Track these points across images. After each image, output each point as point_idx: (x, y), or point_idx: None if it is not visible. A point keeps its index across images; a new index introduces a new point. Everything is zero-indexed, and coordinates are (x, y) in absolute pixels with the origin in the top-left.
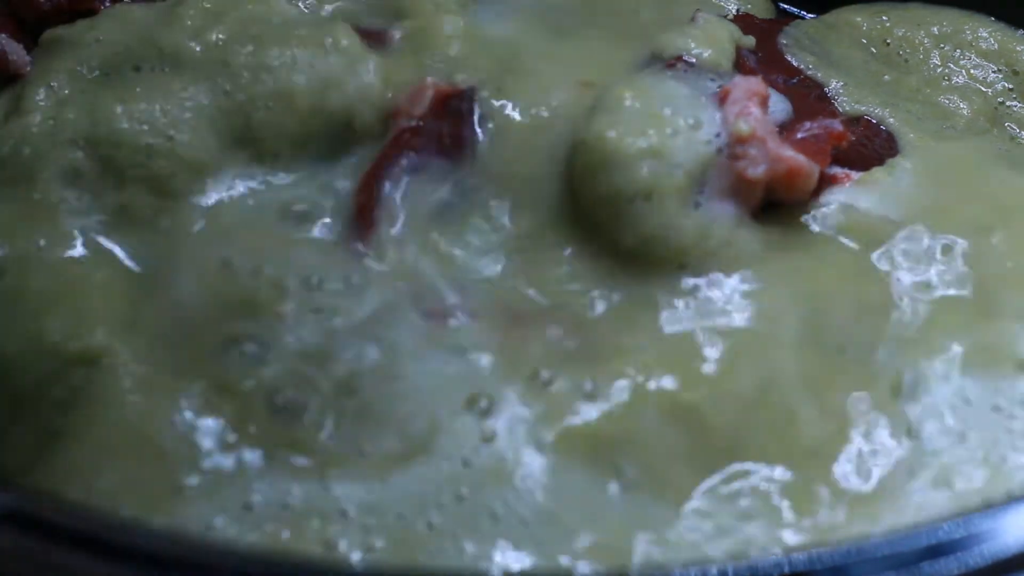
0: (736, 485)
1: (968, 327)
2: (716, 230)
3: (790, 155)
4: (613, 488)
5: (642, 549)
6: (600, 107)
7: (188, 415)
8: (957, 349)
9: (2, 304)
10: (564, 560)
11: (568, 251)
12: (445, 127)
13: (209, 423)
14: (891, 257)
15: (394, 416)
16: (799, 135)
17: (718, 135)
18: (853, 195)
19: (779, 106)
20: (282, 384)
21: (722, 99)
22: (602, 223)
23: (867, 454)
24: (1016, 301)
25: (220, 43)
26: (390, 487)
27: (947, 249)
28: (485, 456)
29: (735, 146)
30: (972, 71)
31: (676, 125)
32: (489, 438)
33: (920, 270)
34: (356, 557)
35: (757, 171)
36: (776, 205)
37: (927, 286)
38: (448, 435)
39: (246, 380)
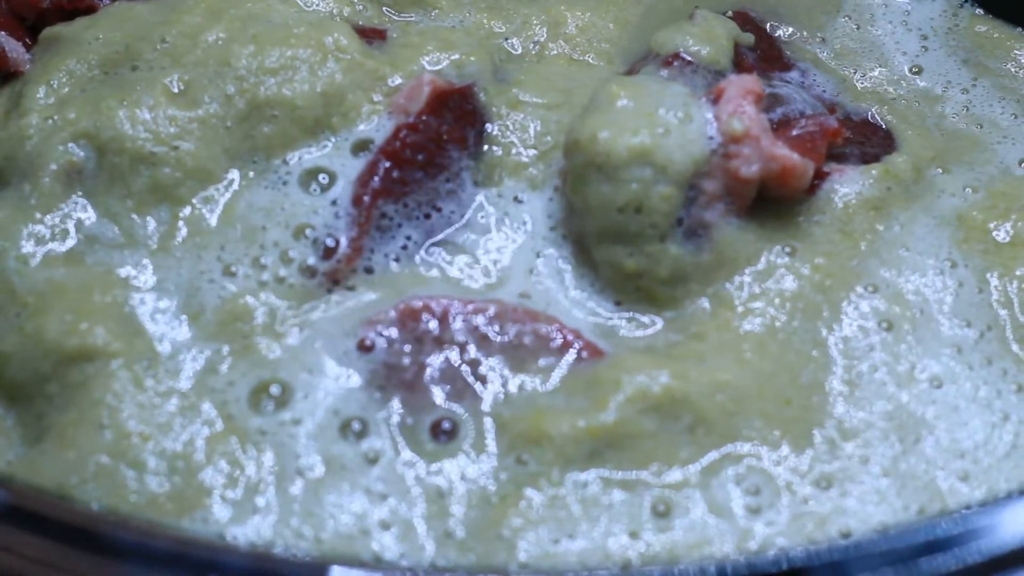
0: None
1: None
2: (705, 246)
3: (784, 153)
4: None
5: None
6: (593, 106)
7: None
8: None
9: (2, 301)
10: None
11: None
12: (445, 125)
13: (198, 426)
14: (889, 251)
15: None
16: (794, 132)
17: (711, 136)
18: (850, 192)
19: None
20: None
21: (716, 98)
22: (592, 230)
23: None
24: None
25: (220, 43)
26: None
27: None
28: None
29: (729, 145)
30: None
31: (669, 124)
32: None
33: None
34: None
35: (751, 170)
36: (772, 200)
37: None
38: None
39: (228, 387)
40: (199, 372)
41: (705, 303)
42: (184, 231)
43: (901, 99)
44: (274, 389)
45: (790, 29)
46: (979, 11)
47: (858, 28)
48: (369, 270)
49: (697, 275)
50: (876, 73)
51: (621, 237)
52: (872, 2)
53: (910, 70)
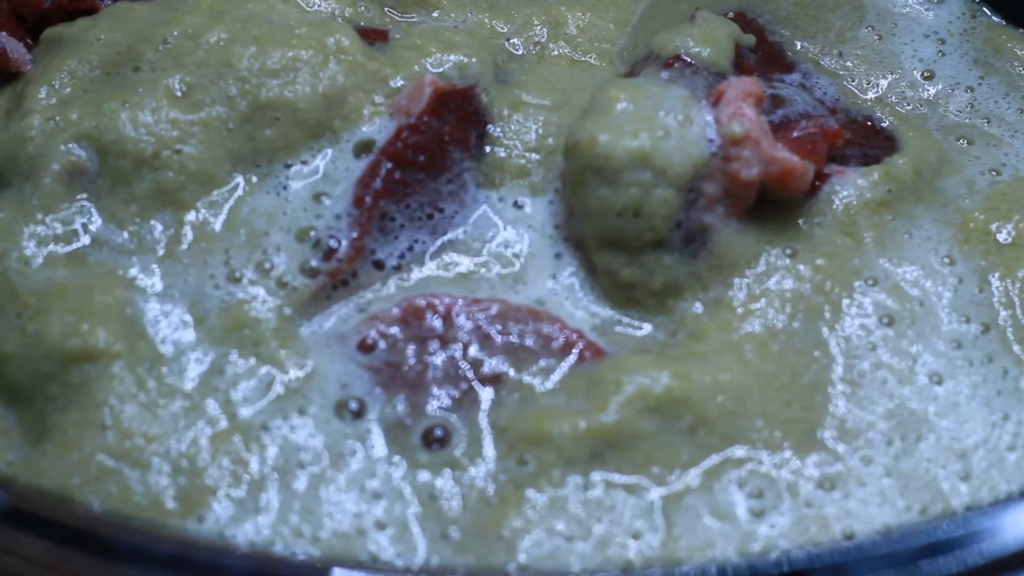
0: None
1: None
2: (703, 250)
3: (784, 156)
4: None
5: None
6: (593, 109)
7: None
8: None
9: (3, 301)
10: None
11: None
12: (446, 126)
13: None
14: (890, 252)
15: None
16: (794, 134)
17: (711, 138)
18: (851, 193)
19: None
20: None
21: (716, 100)
22: (591, 234)
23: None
24: None
25: (222, 44)
26: None
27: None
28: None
29: (729, 148)
30: None
31: (669, 127)
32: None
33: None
34: None
35: (751, 173)
36: (772, 202)
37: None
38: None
39: (232, 388)
40: (203, 374)
41: (703, 307)
42: (190, 236)
43: (904, 101)
44: (278, 388)
45: (790, 32)
46: (986, 10)
47: (880, 39)
48: (372, 270)
49: (692, 283)
50: (885, 79)
51: (619, 242)
52: (895, 11)
53: (922, 75)
